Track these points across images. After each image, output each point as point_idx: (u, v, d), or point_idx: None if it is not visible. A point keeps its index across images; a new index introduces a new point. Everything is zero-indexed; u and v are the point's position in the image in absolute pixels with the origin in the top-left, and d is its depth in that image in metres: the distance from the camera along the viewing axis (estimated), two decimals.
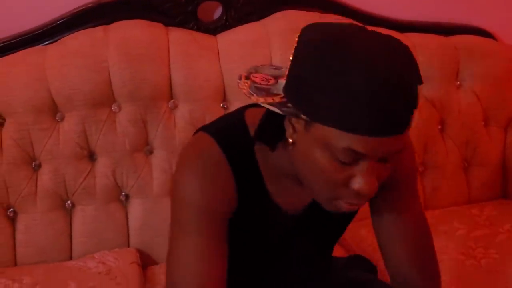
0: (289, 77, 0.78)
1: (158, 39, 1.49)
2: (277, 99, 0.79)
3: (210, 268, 0.86)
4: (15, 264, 1.42)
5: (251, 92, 0.83)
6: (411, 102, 0.73)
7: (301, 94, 0.76)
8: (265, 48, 1.54)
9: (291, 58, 0.78)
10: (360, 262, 1.23)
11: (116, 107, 1.46)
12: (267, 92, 0.82)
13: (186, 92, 1.49)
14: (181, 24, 1.56)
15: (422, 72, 1.81)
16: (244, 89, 0.84)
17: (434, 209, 1.63)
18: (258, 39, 1.55)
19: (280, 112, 0.79)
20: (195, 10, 1.57)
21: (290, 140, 0.81)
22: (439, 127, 1.66)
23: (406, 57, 0.75)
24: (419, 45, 1.64)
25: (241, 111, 0.94)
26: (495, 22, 1.76)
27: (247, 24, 1.59)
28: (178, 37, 1.52)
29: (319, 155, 0.76)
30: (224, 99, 1.53)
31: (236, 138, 0.89)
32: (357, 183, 0.76)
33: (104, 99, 1.45)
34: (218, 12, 1.61)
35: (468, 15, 1.75)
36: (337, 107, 0.72)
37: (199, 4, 1.56)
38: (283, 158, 0.87)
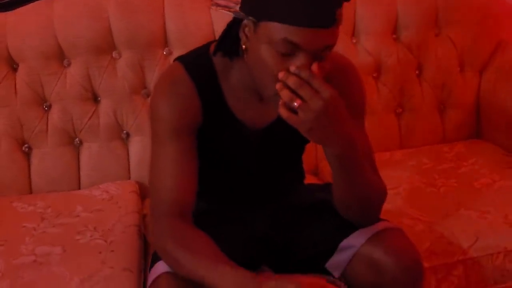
0: None
1: None
2: (232, 10, 0.99)
3: (183, 170, 1.04)
4: (31, 193, 1.61)
5: (214, 4, 1.02)
6: (336, 2, 0.91)
7: (247, 0, 0.95)
8: None
9: None
10: (327, 188, 1.38)
11: (116, 54, 1.62)
12: (226, 7, 1.02)
13: (179, 40, 1.64)
14: None
15: (403, 21, 1.92)
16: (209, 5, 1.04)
17: (409, 149, 1.76)
18: None
19: (233, 15, 0.98)
20: None
21: (244, 46, 0.98)
22: (417, 72, 1.78)
23: None
24: None
25: (208, 42, 1.11)
26: None
27: None
28: None
29: (264, 51, 0.93)
30: None
31: (200, 62, 1.07)
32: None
33: (106, 46, 1.61)
34: None
35: None
36: (274, 5, 0.90)
37: None
38: (241, 71, 1.04)
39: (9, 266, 1.23)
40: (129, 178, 1.66)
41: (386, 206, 1.41)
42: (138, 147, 1.65)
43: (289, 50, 0.92)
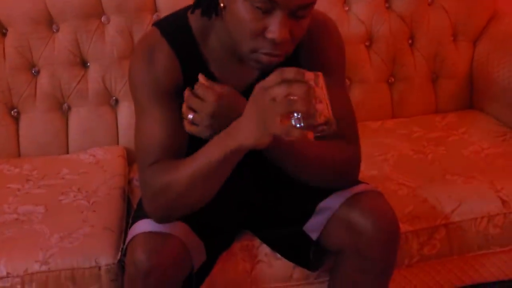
0: None
1: None
2: None
3: (169, 131, 1.02)
4: (19, 157, 1.62)
5: None
6: None
7: None
8: None
9: None
10: None
11: (105, 19, 1.61)
12: None
13: (168, 5, 1.62)
14: None
15: None
16: None
17: (402, 118, 1.75)
18: None
19: None
20: None
21: (222, 5, 0.96)
22: (409, 41, 1.76)
23: None
24: None
25: (185, 7, 1.09)
26: None
27: None
28: None
29: (241, 7, 0.92)
30: None
31: (177, 26, 1.06)
32: (271, 32, 0.91)
33: (94, 12, 1.60)
34: None
35: None
36: None
37: None
38: (220, 32, 1.02)
39: None
40: (117, 144, 1.66)
41: (371, 171, 1.42)
42: (127, 113, 1.65)
43: (266, 8, 0.90)
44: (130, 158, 1.61)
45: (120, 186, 1.41)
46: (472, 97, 1.80)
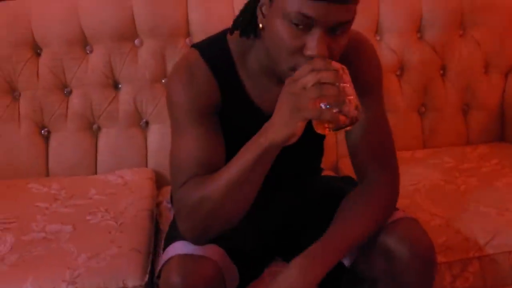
0: None
1: None
2: None
3: (207, 152, 1.01)
4: (47, 176, 1.62)
5: None
6: None
7: None
8: None
9: None
10: (346, 179, 1.36)
11: (138, 42, 1.63)
12: None
13: (201, 30, 1.64)
14: None
15: (427, 20, 1.89)
16: None
17: (433, 148, 1.73)
18: None
19: None
20: None
21: (261, 25, 0.97)
22: (441, 72, 1.75)
23: None
24: None
25: (225, 29, 1.10)
26: None
27: None
28: None
29: (279, 25, 0.92)
30: None
31: (216, 48, 1.07)
32: (309, 49, 0.91)
33: (128, 34, 1.62)
34: None
35: None
36: None
37: None
38: (258, 53, 1.03)
39: (19, 241, 1.24)
40: (146, 166, 1.66)
41: (403, 200, 1.38)
42: (157, 135, 1.65)
43: (304, 24, 0.90)
44: (159, 181, 1.61)
45: (148, 208, 1.41)
46: (503, 129, 1.78)
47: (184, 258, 1.00)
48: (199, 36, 1.65)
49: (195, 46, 1.10)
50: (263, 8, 0.96)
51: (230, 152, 1.05)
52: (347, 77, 0.88)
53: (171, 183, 1.07)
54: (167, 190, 1.58)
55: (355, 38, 1.07)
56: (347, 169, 1.60)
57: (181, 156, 1.03)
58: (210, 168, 1.01)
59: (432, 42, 1.74)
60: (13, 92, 1.61)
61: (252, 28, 1.02)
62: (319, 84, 0.86)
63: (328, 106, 0.85)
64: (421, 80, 1.73)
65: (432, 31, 1.73)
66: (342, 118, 0.86)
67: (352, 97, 0.87)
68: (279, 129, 0.90)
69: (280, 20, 0.92)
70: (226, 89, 1.06)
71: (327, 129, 0.89)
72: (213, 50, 1.07)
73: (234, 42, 1.07)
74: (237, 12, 1.59)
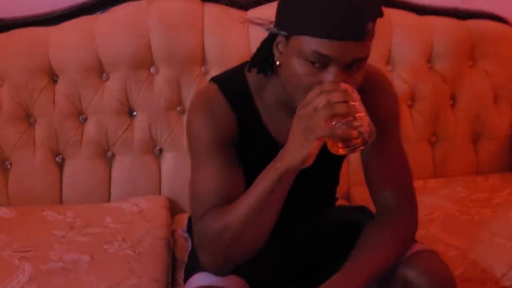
0: (276, 9, 0.99)
1: (194, 11, 1.67)
2: (265, 26, 1.01)
3: (226, 184, 1.03)
4: (61, 204, 1.62)
5: (248, 20, 1.03)
6: (365, 15, 0.91)
7: (280, 16, 0.97)
8: None
9: None
10: (361, 209, 1.38)
11: (154, 70, 1.65)
12: (260, 24, 1.04)
13: (217, 59, 1.66)
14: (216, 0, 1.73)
15: (438, 51, 1.92)
16: (241, 21, 1.05)
17: (443, 177, 1.74)
18: None
19: (265, 30, 1.00)
20: None
21: (278, 62, 0.99)
22: (451, 101, 1.78)
23: None
24: (436, 27, 1.76)
25: (243, 63, 1.12)
26: (509, 7, 1.85)
27: (275, 2, 1.74)
28: (213, 10, 1.69)
29: (296, 63, 0.94)
30: None
31: (235, 82, 1.09)
32: None
33: (144, 62, 1.63)
34: None
35: (483, 1, 1.85)
36: (305, 19, 0.91)
37: None
38: (275, 88, 1.05)
39: (37, 271, 1.24)
40: (160, 194, 1.66)
41: (419, 231, 1.39)
42: (171, 163, 1.66)
43: (320, 62, 0.92)
44: (172, 209, 1.61)
45: (165, 237, 1.41)
46: None
47: None
48: (214, 64, 1.68)
49: (213, 80, 1.12)
50: (280, 46, 0.99)
51: (248, 183, 1.06)
52: (356, 95, 0.91)
53: (191, 215, 1.09)
54: (181, 217, 1.58)
55: (371, 72, 1.10)
56: (358, 197, 1.63)
57: (201, 188, 1.05)
58: (230, 200, 1.02)
59: (442, 72, 1.76)
60: (28, 118, 1.62)
61: (269, 65, 1.04)
62: (330, 104, 0.88)
63: (340, 124, 0.88)
64: (432, 109, 1.75)
65: (442, 62, 1.76)
66: (354, 133, 0.89)
67: (362, 114, 0.90)
68: (295, 152, 0.93)
69: (297, 59, 0.94)
70: (244, 122, 1.08)
71: (341, 148, 0.91)
72: (232, 84, 1.09)
73: (252, 76, 1.09)
74: (252, 42, 1.68)
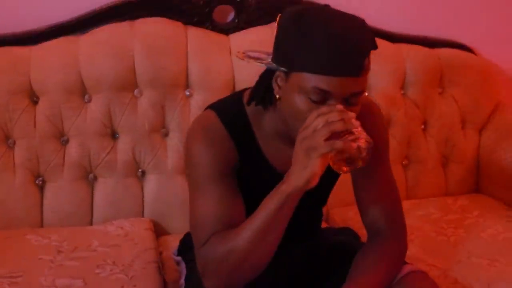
0: (273, 45, 1.02)
1: (177, 34, 1.69)
2: (264, 62, 1.04)
3: (227, 209, 1.05)
4: (42, 227, 1.59)
5: (246, 56, 1.07)
6: (363, 52, 0.96)
7: (279, 52, 1.00)
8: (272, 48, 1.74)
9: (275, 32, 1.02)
10: (346, 231, 1.43)
11: (138, 92, 1.65)
12: (258, 58, 1.07)
13: (200, 83, 1.68)
14: (198, 24, 1.75)
15: (410, 78, 1.99)
16: (240, 56, 1.08)
17: (415, 199, 1.82)
18: (265, 40, 1.73)
19: (265, 66, 1.03)
20: (211, 12, 1.76)
21: (277, 96, 1.02)
22: (422, 126, 1.87)
23: (360, 23, 0.99)
24: (407, 54, 1.85)
25: (240, 91, 1.16)
26: (474, 38, 1.98)
27: (256, 27, 1.79)
28: (195, 34, 1.71)
29: (296, 99, 0.98)
30: (233, 91, 1.71)
31: (233, 110, 1.12)
32: None
33: (128, 85, 1.64)
34: (231, 15, 1.81)
35: (451, 31, 1.97)
36: (305, 56, 0.95)
37: (214, 7, 1.76)
38: (274, 118, 1.08)
39: None
40: (143, 216, 1.65)
41: None
42: (154, 185, 1.66)
43: (320, 98, 0.96)
44: (156, 231, 1.61)
45: (155, 260, 1.40)
46: (479, 181, 1.90)
47: None
48: (198, 88, 1.69)
49: (211, 107, 1.14)
50: (279, 80, 1.02)
51: (247, 209, 1.09)
52: (351, 113, 0.96)
53: (194, 240, 1.09)
54: (165, 240, 1.59)
55: (364, 102, 1.15)
56: (338, 218, 1.68)
57: (203, 215, 1.06)
58: (231, 226, 1.04)
59: (414, 99, 1.85)
60: (7, 140, 1.58)
61: (268, 99, 1.07)
62: (328, 123, 0.93)
63: (339, 140, 0.93)
64: (405, 134, 1.83)
65: (414, 88, 1.85)
66: (353, 145, 0.94)
67: (359, 128, 0.96)
68: (299, 173, 0.96)
69: (297, 94, 0.98)
70: (242, 149, 1.11)
71: (344, 166, 0.96)
72: (230, 112, 1.12)
73: (249, 104, 1.11)
74: (235, 66, 1.71)
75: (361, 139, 0.94)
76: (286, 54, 0.99)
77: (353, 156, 0.95)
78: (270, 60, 1.03)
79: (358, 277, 1.09)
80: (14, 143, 1.58)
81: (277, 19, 1.02)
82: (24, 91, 1.59)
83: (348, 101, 0.98)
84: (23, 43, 1.63)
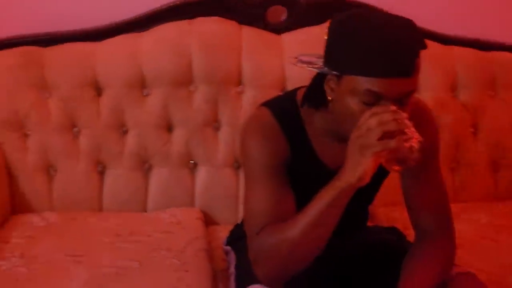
0: (324, 50, 1.05)
1: (232, 33, 1.76)
2: (316, 66, 1.07)
3: (280, 202, 1.10)
4: (101, 211, 1.70)
5: (298, 61, 1.11)
6: (412, 52, 0.99)
7: (330, 56, 1.04)
8: (323, 49, 1.79)
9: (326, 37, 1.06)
10: (392, 230, 1.46)
11: (193, 88, 1.73)
12: (310, 63, 1.10)
13: (252, 80, 1.74)
14: (252, 23, 1.80)
15: (461, 81, 1.98)
16: (293, 62, 1.13)
17: (463, 202, 1.82)
18: (316, 40, 1.77)
19: (317, 71, 1.07)
20: (264, 12, 1.82)
21: (329, 98, 1.06)
22: (472, 129, 1.87)
23: (408, 24, 1.01)
24: (459, 57, 1.85)
25: (294, 89, 1.21)
26: None
27: (307, 27, 1.83)
28: (249, 33, 1.77)
29: (349, 101, 1.02)
30: (284, 88, 1.76)
31: (287, 108, 1.16)
32: None
33: (184, 80, 1.72)
34: (283, 15, 1.86)
35: (504, 34, 1.96)
36: (355, 60, 0.98)
37: (268, 7, 1.82)
38: (325, 118, 1.12)
39: (92, 275, 1.31)
40: (193, 206, 1.74)
41: None
42: (204, 177, 1.74)
43: (372, 99, 0.99)
44: (206, 222, 1.68)
45: (205, 248, 1.48)
46: None
47: None
48: (249, 85, 1.76)
49: (266, 105, 1.19)
50: (331, 83, 1.05)
51: (297, 204, 1.13)
52: (404, 114, 0.98)
53: (247, 230, 1.15)
54: (214, 230, 1.66)
55: (416, 103, 1.17)
56: (384, 218, 1.70)
57: (256, 206, 1.12)
58: (282, 217, 1.09)
59: (465, 101, 1.85)
60: (73, 128, 1.70)
61: (321, 101, 1.11)
62: (381, 123, 0.96)
63: (392, 139, 0.96)
64: (453, 138, 1.83)
65: (465, 91, 1.85)
66: (406, 145, 0.96)
67: (412, 128, 0.98)
68: (353, 170, 1.00)
69: (350, 97, 1.01)
70: (294, 145, 1.15)
71: (395, 165, 0.99)
72: (283, 109, 1.17)
73: (303, 106, 1.16)
74: (286, 65, 1.76)
75: (414, 139, 0.97)
76: (337, 58, 1.02)
77: (405, 155, 0.98)
78: (321, 64, 1.07)
79: (410, 278, 1.12)
80: (79, 132, 1.69)
81: (328, 24, 1.06)
82: (89, 84, 1.70)
83: (400, 101, 1.01)
84: (90, 39, 1.73)
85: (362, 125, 0.98)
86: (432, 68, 1.82)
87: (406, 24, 1.01)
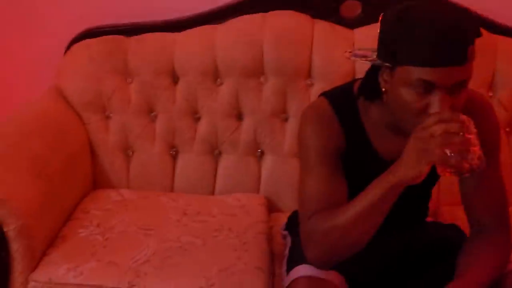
0: (378, 42, 1.08)
1: (304, 27, 1.80)
2: (369, 59, 1.10)
3: (332, 188, 1.15)
4: (172, 191, 1.81)
5: (352, 55, 1.15)
6: (464, 40, 0.99)
7: (383, 48, 1.06)
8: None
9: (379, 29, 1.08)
10: (452, 227, 1.46)
11: (263, 79, 1.80)
12: (363, 56, 1.13)
13: (322, 74, 1.78)
14: (325, 17, 1.84)
15: (498, 78, 1.84)
16: (347, 56, 1.17)
17: None
18: None
19: (370, 63, 1.10)
20: (338, 7, 1.85)
21: (384, 89, 1.09)
22: (507, 129, 1.81)
23: (462, 12, 1.03)
24: (502, 49, 1.76)
25: (351, 81, 1.25)
26: None
27: None
28: (322, 27, 1.81)
29: (402, 91, 1.04)
30: None
31: (344, 99, 1.20)
32: (434, 109, 1.01)
33: (255, 71, 1.78)
34: (357, 10, 1.88)
35: None
36: (407, 49, 1.00)
37: (342, 1, 1.84)
38: (381, 109, 1.15)
39: (159, 247, 1.42)
40: (258, 192, 1.81)
41: None
42: (270, 165, 1.81)
43: (426, 89, 1.01)
44: (269, 207, 1.75)
45: (265, 232, 1.56)
46: None
47: (310, 279, 1.15)
48: (319, 79, 1.80)
49: (324, 95, 1.24)
50: (385, 75, 1.08)
51: (350, 193, 1.17)
52: (472, 128, 0.98)
53: (300, 214, 1.21)
54: (277, 216, 1.72)
55: (478, 100, 1.18)
56: (448, 216, 1.70)
57: (310, 192, 1.17)
58: (334, 204, 1.13)
59: (501, 98, 1.78)
60: (150, 113, 1.82)
61: (376, 92, 1.13)
62: (446, 133, 0.96)
63: (453, 154, 0.96)
64: None
65: (503, 88, 1.78)
66: (465, 165, 0.97)
67: (476, 148, 0.97)
68: (407, 169, 1.02)
69: (403, 87, 1.03)
70: (350, 136, 1.19)
71: (448, 173, 1.00)
72: (341, 100, 1.21)
73: (359, 98, 1.19)
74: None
75: (475, 159, 0.96)
76: (389, 49, 1.04)
77: (462, 171, 0.98)
78: (375, 56, 1.10)
79: (465, 272, 1.13)
80: (156, 116, 1.81)
81: (380, 17, 1.09)
82: (167, 72, 1.80)
83: (453, 90, 1.01)
84: (170, 30, 1.84)
85: (426, 127, 0.99)
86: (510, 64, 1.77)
87: (459, 12, 1.03)
